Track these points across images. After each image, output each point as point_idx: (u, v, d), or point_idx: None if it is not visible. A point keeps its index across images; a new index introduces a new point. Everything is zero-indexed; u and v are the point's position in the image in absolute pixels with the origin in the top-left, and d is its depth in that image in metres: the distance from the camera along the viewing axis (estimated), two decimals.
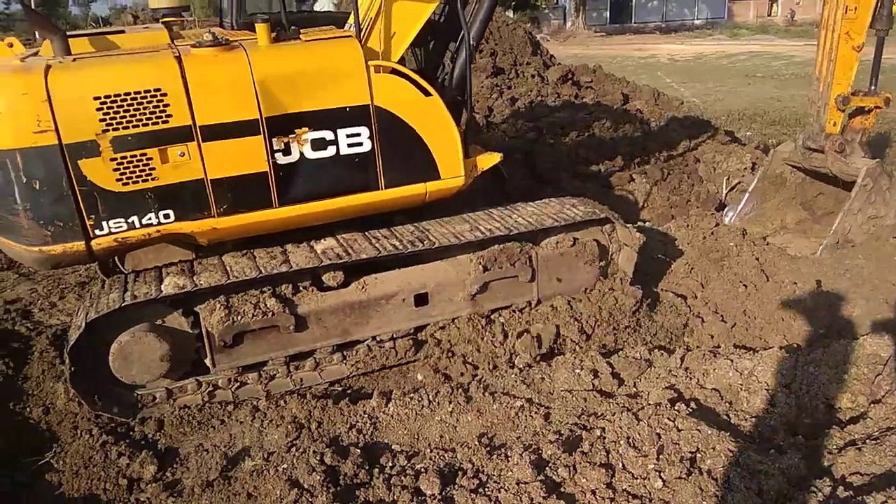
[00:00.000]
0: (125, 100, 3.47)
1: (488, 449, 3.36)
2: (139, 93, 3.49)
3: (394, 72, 4.08)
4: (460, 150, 4.29)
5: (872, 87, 5.60)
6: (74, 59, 3.60)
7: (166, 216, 3.71)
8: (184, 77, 3.55)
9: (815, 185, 6.19)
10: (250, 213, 3.88)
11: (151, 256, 4.04)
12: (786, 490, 2.82)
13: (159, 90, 3.52)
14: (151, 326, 3.78)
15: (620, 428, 3.21)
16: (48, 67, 3.42)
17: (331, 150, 3.95)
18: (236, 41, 3.84)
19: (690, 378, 3.74)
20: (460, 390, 3.85)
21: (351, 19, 4.18)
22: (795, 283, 5.05)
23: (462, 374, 4.22)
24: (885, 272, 5.22)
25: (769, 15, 58.00)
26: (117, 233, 3.64)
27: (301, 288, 4.08)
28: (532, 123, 8.59)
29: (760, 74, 22.72)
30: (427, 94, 4.12)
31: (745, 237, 5.70)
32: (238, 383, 4.11)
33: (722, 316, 4.85)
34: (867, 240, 5.61)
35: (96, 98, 3.42)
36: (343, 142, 3.96)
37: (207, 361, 3.97)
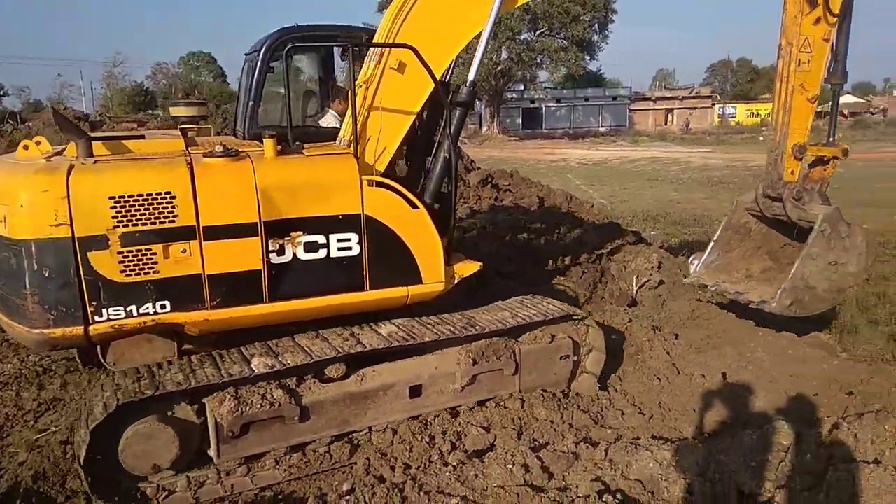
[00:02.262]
0: (137, 200, 3.81)
1: None
2: (150, 195, 3.83)
3: (385, 185, 4.45)
4: (442, 257, 4.64)
5: (831, 139, 5.73)
6: (96, 161, 3.94)
7: (163, 307, 3.97)
8: (193, 182, 3.92)
9: (781, 237, 6.20)
10: (241, 307, 4.15)
11: (134, 352, 4.23)
12: None
13: (169, 193, 3.87)
14: (161, 417, 3.88)
15: None
16: (71, 168, 3.76)
17: (322, 253, 4.31)
18: (245, 152, 4.21)
19: (615, 469, 3.94)
20: (396, 490, 3.89)
21: (341, 133, 4.59)
22: (703, 376, 5.44)
23: (393, 472, 4.26)
24: (782, 364, 5.70)
25: (666, 124, 63.21)
26: (115, 320, 3.87)
27: (304, 380, 4.29)
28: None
29: (660, 178, 24.55)
30: (414, 206, 4.55)
31: (656, 332, 6.11)
32: (166, 492, 3.99)
33: (639, 408, 5.14)
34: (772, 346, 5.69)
35: (111, 197, 3.76)
36: (334, 245, 4.34)
37: (211, 452, 4.03)
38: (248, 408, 4.00)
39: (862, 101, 70.03)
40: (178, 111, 5.22)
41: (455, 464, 4.24)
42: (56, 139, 4.54)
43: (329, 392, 4.32)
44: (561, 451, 4.28)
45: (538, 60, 50.30)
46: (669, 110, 65.09)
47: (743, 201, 6.26)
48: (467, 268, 4.97)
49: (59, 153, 4.16)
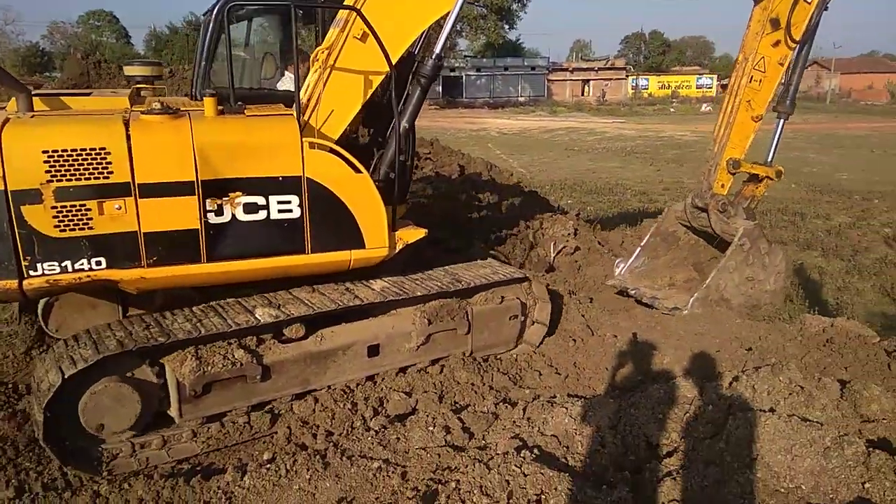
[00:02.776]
0: (71, 155, 3.76)
1: None
2: (84, 150, 3.78)
3: (328, 149, 4.44)
4: (385, 223, 4.63)
5: (769, 160, 5.90)
6: (33, 116, 3.93)
7: (98, 263, 3.94)
8: (128, 139, 3.87)
9: (709, 249, 6.29)
10: (178, 266, 4.12)
11: (77, 318, 4.26)
12: None
13: (104, 149, 3.82)
14: (121, 378, 3.90)
15: (473, 478, 3.44)
16: (6, 121, 3.73)
17: (262, 214, 4.27)
18: (184, 111, 4.16)
19: (532, 427, 4.08)
20: (318, 457, 3.88)
21: (302, 96, 4.60)
22: (616, 337, 5.67)
23: (315, 440, 4.26)
24: (688, 324, 5.99)
25: (583, 94, 64.42)
26: (50, 275, 3.84)
27: (265, 340, 4.36)
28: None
29: (577, 148, 25.10)
30: (357, 170, 4.50)
31: (572, 296, 6.30)
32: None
33: (556, 368, 5.32)
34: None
35: (45, 151, 3.71)
36: (274, 207, 4.29)
37: (173, 412, 4.09)
38: (209, 367, 4.04)
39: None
40: (132, 71, 5.10)
41: (377, 429, 4.27)
42: None
43: (290, 352, 4.39)
44: (481, 412, 4.39)
45: (458, 28, 50.06)
46: (586, 81, 66.29)
47: (674, 209, 6.35)
48: (412, 234, 4.97)
49: (2, 109, 4.15)
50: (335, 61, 4.55)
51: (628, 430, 4.05)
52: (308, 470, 3.76)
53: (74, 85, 9.65)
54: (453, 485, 3.46)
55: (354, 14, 4.46)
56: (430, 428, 4.18)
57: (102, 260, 3.93)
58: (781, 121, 5.96)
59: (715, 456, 3.69)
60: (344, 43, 4.55)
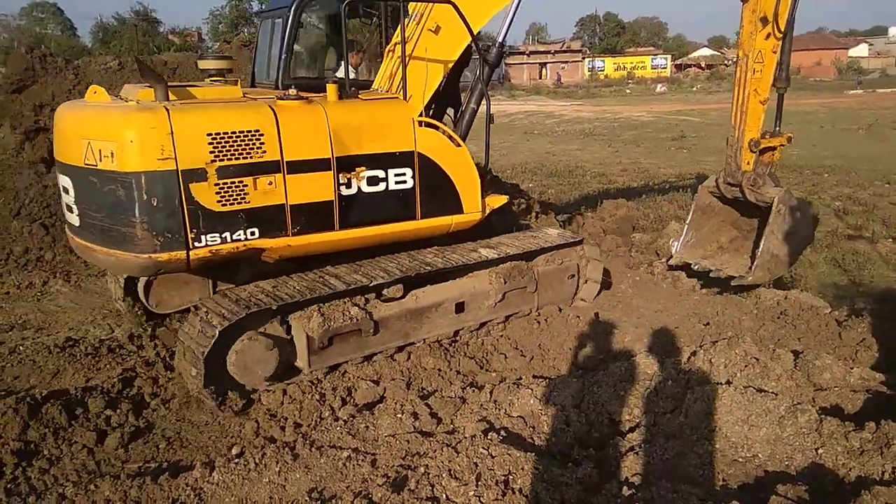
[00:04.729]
0: (231, 137, 4.23)
1: (319, 502, 3.45)
2: (243, 132, 4.26)
3: (431, 126, 5.10)
4: (480, 190, 5.29)
5: (777, 129, 6.65)
6: (183, 104, 4.29)
7: (252, 233, 4.42)
8: (277, 122, 4.36)
9: (740, 206, 7.03)
10: (317, 234, 4.67)
11: (174, 295, 4.89)
12: (583, 496, 3.26)
13: (258, 131, 4.31)
14: (257, 333, 4.41)
15: (442, 462, 3.48)
16: (168, 109, 4.10)
17: (382, 186, 4.88)
18: (310, 97, 4.66)
19: (499, 409, 4.14)
20: (287, 449, 3.88)
21: (376, 83, 5.37)
22: (578, 317, 5.77)
23: (284, 432, 4.26)
24: (648, 302, 6.15)
25: (540, 78, 64.63)
26: (212, 245, 4.30)
27: (370, 300, 4.92)
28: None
29: (536, 132, 25.21)
30: (457, 144, 5.19)
31: None
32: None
33: (521, 351, 5.40)
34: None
35: (209, 134, 4.16)
36: (392, 179, 4.90)
37: (301, 363, 4.67)
38: (332, 322, 4.58)
39: (717, 53, 74.75)
40: (206, 64, 5.50)
41: (346, 418, 4.29)
42: None
43: (393, 309, 4.96)
44: (448, 397, 4.44)
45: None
46: (543, 64, 66.57)
47: (706, 186, 7.14)
48: (496, 200, 5.61)
49: (121, 98, 4.54)
50: (412, 51, 5.10)
51: (592, 408, 4.15)
52: (277, 462, 3.76)
53: (20, 80, 9.34)
54: (423, 470, 3.50)
55: (429, 9, 5.10)
56: (399, 415, 4.21)
57: (256, 230, 4.40)
58: (780, 94, 6.68)
59: (675, 429, 3.80)
60: (420, 35, 5.12)
